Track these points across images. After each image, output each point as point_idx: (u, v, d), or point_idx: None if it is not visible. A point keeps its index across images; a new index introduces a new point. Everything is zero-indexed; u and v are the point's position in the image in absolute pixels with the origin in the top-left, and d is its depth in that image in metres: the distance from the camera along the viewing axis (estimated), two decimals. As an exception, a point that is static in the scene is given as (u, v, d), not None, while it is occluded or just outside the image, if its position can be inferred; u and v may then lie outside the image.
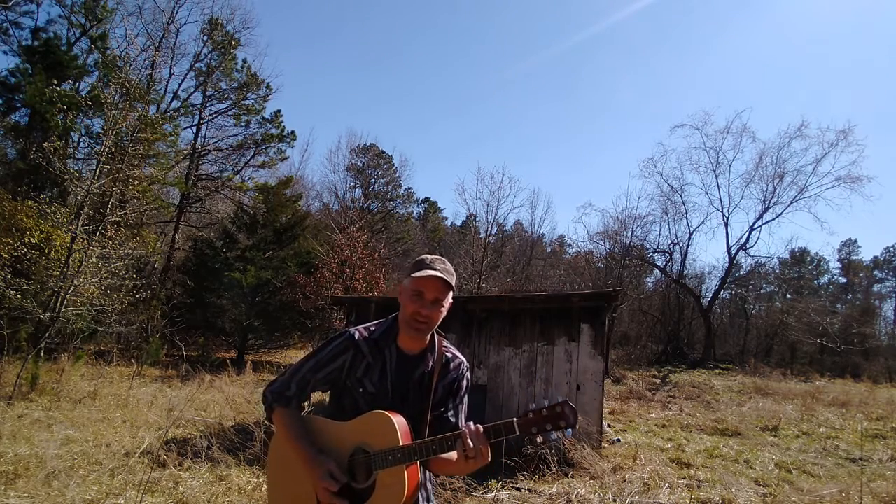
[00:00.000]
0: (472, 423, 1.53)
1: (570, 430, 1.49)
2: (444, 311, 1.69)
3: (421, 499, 1.70)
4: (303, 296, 15.66)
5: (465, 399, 1.82)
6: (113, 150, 10.54)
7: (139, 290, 11.90)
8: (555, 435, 1.50)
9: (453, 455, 1.57)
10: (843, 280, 42.31)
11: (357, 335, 1.70)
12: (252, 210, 18.64)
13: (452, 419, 1.75)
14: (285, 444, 1.72)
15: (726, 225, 25.57)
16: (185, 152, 20.85)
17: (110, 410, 7.43)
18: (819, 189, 23.80)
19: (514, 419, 1.51)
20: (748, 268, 28.22)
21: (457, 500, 4.51)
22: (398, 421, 1.59)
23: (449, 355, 1.77)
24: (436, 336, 1.75)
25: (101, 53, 17.91)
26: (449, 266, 1.69)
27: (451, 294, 1.69)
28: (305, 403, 1.82)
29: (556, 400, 1.51)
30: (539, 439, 1.51)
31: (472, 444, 1.48)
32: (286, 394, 1.70)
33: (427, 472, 1.75)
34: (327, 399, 1.83)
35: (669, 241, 26.23)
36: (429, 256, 1.70)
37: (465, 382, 1.80)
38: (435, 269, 1.63)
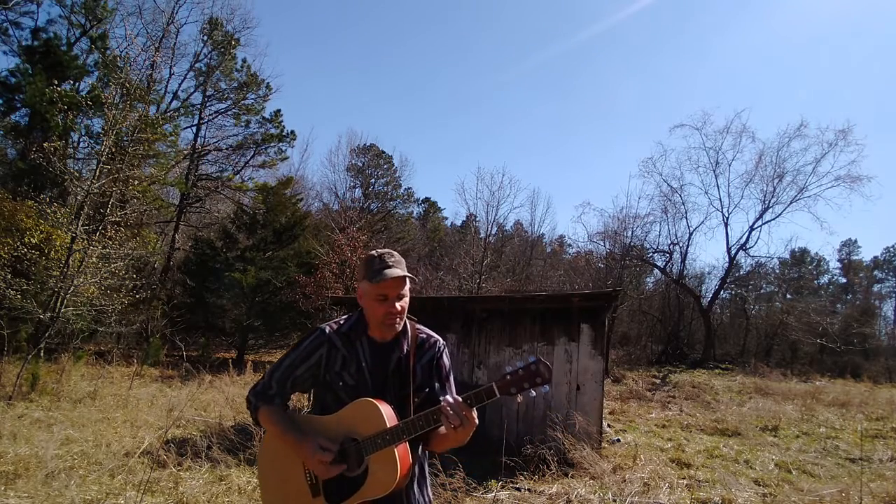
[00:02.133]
0: (449, 396, 1.56)
1: (546, 386, 1.54)
2: (408, 297, 1.72)
3: (415, 492, 1.71)
4: (303, 296, 15.66)
5: (451, 376, 1.83)
6: (113, 150, 10.53)
7: (139, 290, 11.90)
8: (533, 393, 1.54)
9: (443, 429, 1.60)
10: (843, 280, 42.32)
11: (328, 329, 1.74)
12: (252, 210, 18.64)
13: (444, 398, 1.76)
14: (273, 440, 1.74)
15: (726, 225, 25.56)
16: (185, 152, 20.86)
17: (110, 410, 7.42)
18: (819, 189, 23.78)
19: (493, 383, 1.56)
20: (748, 268, 28.22)
21: (457, 500, 4.50)
22: (383, 405, 1.62)
23: (423, 336, 1.80)
24: (407, 321, 1.77)
25: (101, 53, 17.92)
26: (398, 256, 1.71)
27: (409, 282, 1.71)
28: (306, 405, 1.83)
29: (530, 360, 1.55)
30: (519, 399, 1.55)
31: (453, 414, 1.51)
32: (268, 392, 1.74)
33: (422, 454, 1.77)
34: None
35: (669, 241, 26.21)
36: (377, 254, 1.70)
37: (445, 360, 1.81)
38: (392, 270, 1.64)
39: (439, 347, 1.80)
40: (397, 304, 1.67)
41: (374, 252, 1.72)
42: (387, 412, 1.61)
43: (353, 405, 1.64)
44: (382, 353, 1.73)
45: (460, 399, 1.53)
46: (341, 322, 1.77)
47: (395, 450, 1.58)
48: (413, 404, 1.69)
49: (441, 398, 1.69)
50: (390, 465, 1.57)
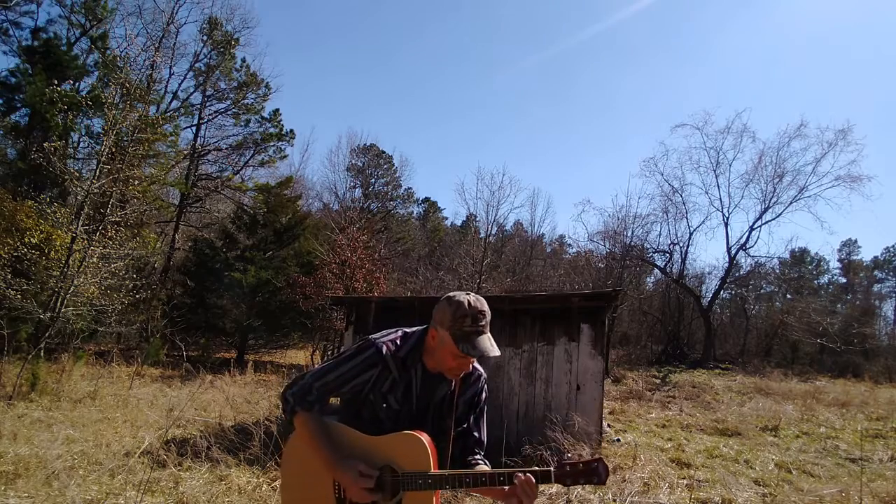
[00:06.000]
0: (520, 473, 1.54)
1: (599, 484, 1.58)
2: None
3: None
4: (303, 296, 15.65)
5: (485, 409, 1.82)
6: (113, 150, 10.53)
7: (139, 290, 11.90)
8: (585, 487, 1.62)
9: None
10: (843, 280, 42.30)
11: (385, 350, 1.65)
12: (252, 210, 18.66)
13: (475, 434, 1.77)
14: (307, 447, 1.69)
15: (726, 225, 25.60)
16: (185, 152, 20.85)
17: (110, 410, 7.42)
18: (819, 189, 23.83)
19: (552, 469, 1.54)
20: (748, 268, 28.22)
21: (457, 500, 4.51)
22: (430, 445, 1.61)
23: (468, 369, 1.75)
24: None
25: (101, 53, 17.92)
26: (488, 311, 1.61)
27: None
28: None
29: (592, 458, 1.59)
30: (569, 486, 1.59)
31: (523, 492, 1.51)
32: (308, 398, 1.66)
33: None
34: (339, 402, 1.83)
35: (669, 241, 26.25)
36: (470, 311, 1.56)
37: (484, 395, 1.81)
38: (485, 344, 1.56)
39: (482, 383, 1.80)
40: (472, 363, 1.66)
41: (465, 303, 1.57)
42: (433, 455, 1.60)
43: (401, 436, 1.61)
44: (432, 384, 1.71)
45: (533, 479, 1.53)
46: (398, 343, 1.69)
47: (433, 495, 1.58)
48: (451, 439, 1.69)
49: (476, 434, 1.76)
50: None
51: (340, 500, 1.63)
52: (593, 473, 1.53)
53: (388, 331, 1.74)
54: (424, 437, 1.61)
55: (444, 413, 1.71)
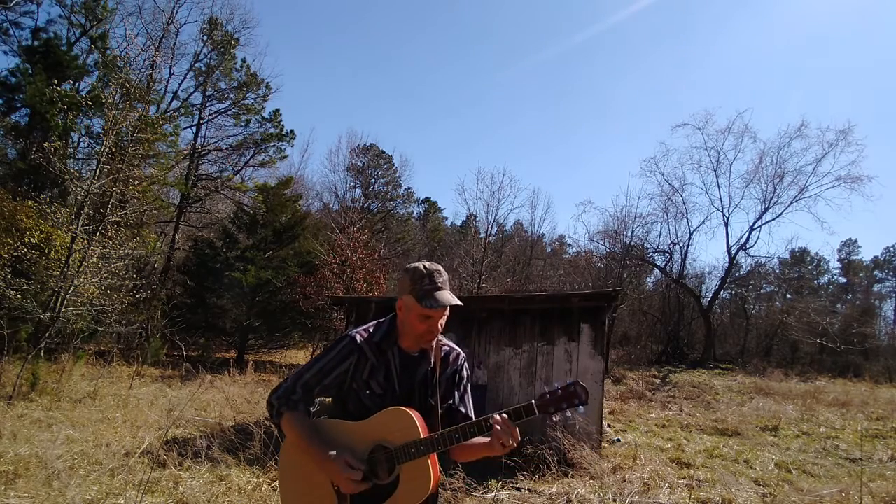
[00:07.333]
0: (496, 414, 1.58)
1: (581, 406, 1.58)
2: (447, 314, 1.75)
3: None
4: (303, 296, 15.66)
5: (469, 386, 1.87)
6: (113, 150, 10.52)
7: (139, 290, 11.89)
8: (569, 413, 1.58)
9: (476, 441, 1.62)
10: (843, 280, 42.29)
11: (359, 338, 1.72)
12: (252, 210, 18.65)
13: (462, 409, 1.81)
14: (297, 448, 1.69)
15: (726, 225, 25.56)
16: (185, 152, 20.82)
17: (110, 410, 7.43)
18: (819, 189, 23.78)
19: (533, 401, 1.58)
20: (748, 268, 28.20)
21: (457, 500, 4.50)
22: (416, 415, 1.61)
23: (447, 349, 1.82)
24: None
25: (101, 53, 17.90)
26: (444, 273, 1.70)
27: None
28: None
29: (568, 381, 1.60)
30: (556, 417, 1.59)
31: (502, 431, 1.53)
32: (292, 398, 1.68)
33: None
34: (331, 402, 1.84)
35: (669, 241, 26.22)
36: (425, 270, 1.66)
37: (465, 372, 1.85)
38: (444, 295, 1.63)
39: (461, 361, 1.85)
40: (439, 323, 1.68)
41: (421, 266, 1.68)
42: (420, 422, 1.61)
43: (386, 413, 1.62)
44: (411, 364, 1.74)
45: (507, 417, 1.56)
46: (371, 330, 1.76)
47: (429, 460, 1.58)
48: (439, 416, 1.72)
49: (463, 409, 1.78)
50: (423, 475, 1.57)
51: (341, 494, 1.63)
52: (574, 396, 1.56)
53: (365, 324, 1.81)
54: (408, 409, 1.62)
55: (427, 392, 1.74)
